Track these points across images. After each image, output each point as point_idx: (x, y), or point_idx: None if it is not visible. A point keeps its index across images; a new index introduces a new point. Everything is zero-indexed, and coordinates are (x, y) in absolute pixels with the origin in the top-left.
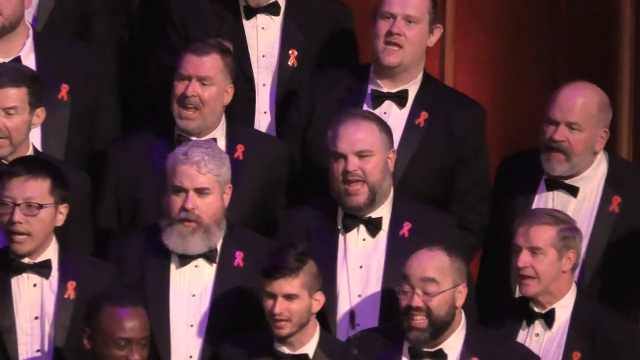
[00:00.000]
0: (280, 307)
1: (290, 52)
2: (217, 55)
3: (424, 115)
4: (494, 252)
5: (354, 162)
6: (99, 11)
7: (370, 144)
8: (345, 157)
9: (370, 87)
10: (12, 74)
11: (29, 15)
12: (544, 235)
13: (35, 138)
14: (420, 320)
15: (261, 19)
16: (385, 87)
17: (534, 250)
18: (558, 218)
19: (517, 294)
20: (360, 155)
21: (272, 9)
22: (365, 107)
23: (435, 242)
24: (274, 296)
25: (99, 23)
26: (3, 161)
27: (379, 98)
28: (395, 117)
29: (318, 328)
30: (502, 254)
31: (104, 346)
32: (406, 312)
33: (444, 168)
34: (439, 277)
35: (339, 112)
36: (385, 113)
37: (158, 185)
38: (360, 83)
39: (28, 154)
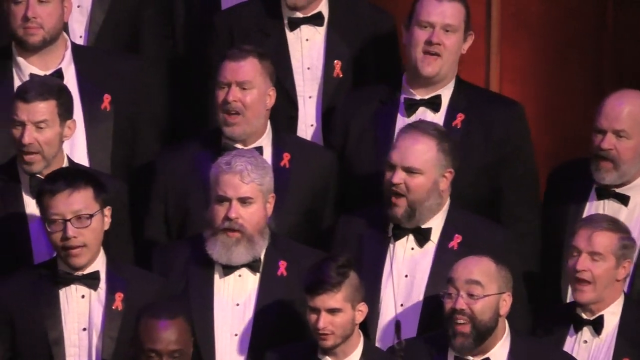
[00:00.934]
0: (324, 321)
1: (335, 63)
2: (254, 59)
3: (460, 117)
4: (544, 260)
5: (399, 176)
6: (147, 23)
7: (421, 163)
8: (394, 168)
9: (404, 96)
10: (39, 87)
11: (80, 27)
12: (606, 241)
13: (81, 149)
14: (463, 325)
15: (305, 30)
16: (419, 95)
17: (593, 256)
18: (619, 226)
19: (567, 301)
20: (409, 171)
21: (316, 20)
22: (399, 116)
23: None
24: (317, 310)
25: (148, 34)
26: (38, 176)
27: (412, 106)
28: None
29: (362, 338)
30: (551, 262)
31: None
32: (450, 315)
33: (485, 167)
34: (484, 280)
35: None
36: (421, 119)
37: (206, 195)
38: (393, 94)
39: (63, 166)
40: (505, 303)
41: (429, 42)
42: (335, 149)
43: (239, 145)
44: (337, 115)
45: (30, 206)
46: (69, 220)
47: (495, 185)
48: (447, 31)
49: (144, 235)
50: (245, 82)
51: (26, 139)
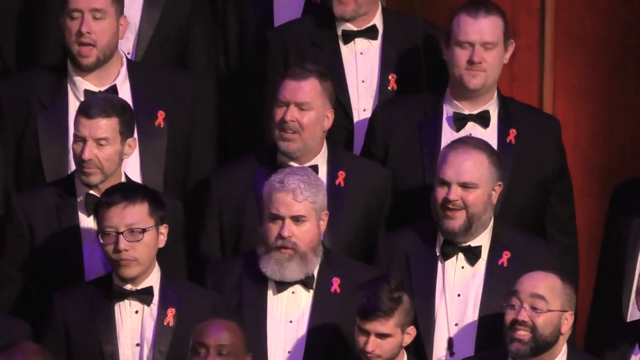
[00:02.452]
0: (372, 345)
1: (389, 76)
2: (315, 79)
3: (513, 132)
4: (607, 276)
5: (456, 192)
6: (197, 38)
7: (477, 177)
8: (449, 184)
9: (451, 110)
10: (102, 104)
11: (128, 43)
12: None
13: (133, 165)
14: (523, 334)
15: (359, 43)
16: (467, 109)
17: None
18: None
19: (628, 317)
20: (465, 186)
21: (370, 33)
22: (447, 130)
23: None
24: (366, 333)
25: (197, 50)
26: (94, 193)
27: (461, 120)
28: (481, 137)
29: (405, 357)
30: (615, 277)
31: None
32: (511, 327)
33: (540, 182)
34: (549, 296)
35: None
36: (470, 134)
37: (261, 212)
38: (436, 107)
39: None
40: (567, 322)
41: (470, 62)
42: (376, 157)
43: (293, 163)
44: (377, 125)
45: (85, 223)
46: (122, 233)
47: (545, 200)
48: (487, 48)
49: (198, 251)
50: (304, 103)
51: (86, 155)
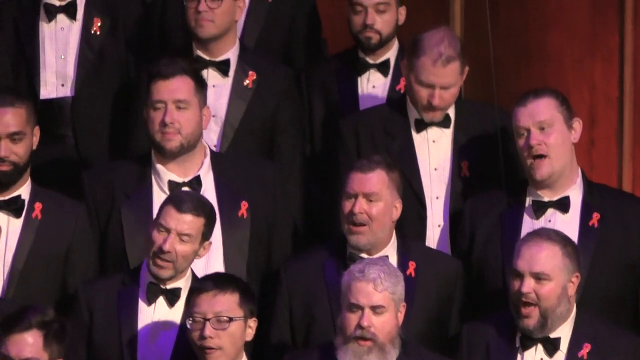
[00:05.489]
0: None
1: (462, 163)
2: (382, 171)
3: (596, 216)
4: None
5: (529, 285)
6: (283, 128)
7: (549, 269)
8: (522, 276)
9: (531, 198)
10: (194, 201)
11: (214, 135)
12: None
13: (216, 255)
14: None
15: (432, 132)
16: (546, 196)
17: None
18: None
19: None
20: (537, 278)
21: (444, 122)
22: (527, 219)
23: None
24: None
25: (283, 140)
26: (154, 283)
27: (540, 208)
28: (562, 223)
29: None
30: None
31: None
32: None
33: (625, 267)
34: None
35: (509, 228)
36: (550, 221)
37: (332, 303)
38: (519, 196)
39: (185, 278)
40: None
41: (529, 147)
42: (463, 253)
43: (364, 255)
44: (464, 219)
45: (143, 312)
46: (209, 320)
47: (631, 285)
48: (543, 129)
49: (269, 341)
50: (372, 194)
51: (167, 247)
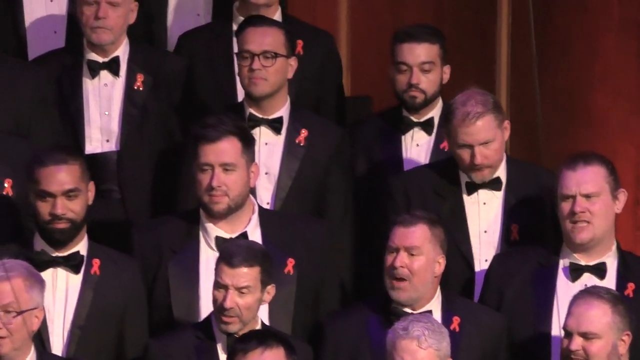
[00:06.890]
0: None
1: (512, 227)
2: (424, 225)
3: (631, 286)
4: None
5: (577, 342)
6: (334, 187)
7: (598, 327)
8: (571, 335)
9: (567, 260)
10: (245, 253)
11: (267, 193)
12: None
13: (262, 311)
14: None
15: (483, 194)
16: (583, 260)
17: None
18: None
19: None
20: (585, 336)
21: (494, 184)
22: (561, 280)
23: None
24: None
25: (334, 199)
26: (235, 335)
27: (577, 271)
28: None
29: None
30: None
31: None
32: None
33: None
34: None
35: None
36: (585, 285)
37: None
38: (552, 258)
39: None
40: None
41: (572, 213)
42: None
43: (407, 310)
44: (492, 276)
45: None
46: None
47: None
48: (589, 197)
49: None
50: (414, 248)
51: (228, 304)
